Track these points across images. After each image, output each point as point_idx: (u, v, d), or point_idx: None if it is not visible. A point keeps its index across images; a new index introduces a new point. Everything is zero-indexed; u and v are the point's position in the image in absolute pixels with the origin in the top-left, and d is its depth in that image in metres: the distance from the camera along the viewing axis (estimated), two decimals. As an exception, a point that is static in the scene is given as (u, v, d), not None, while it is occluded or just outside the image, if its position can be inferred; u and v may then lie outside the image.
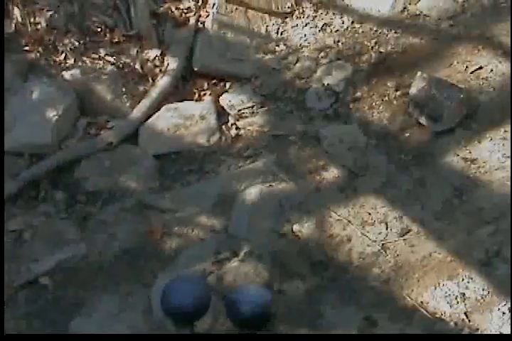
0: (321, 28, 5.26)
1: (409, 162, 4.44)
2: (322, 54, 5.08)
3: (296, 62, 5.09)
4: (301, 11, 5.34)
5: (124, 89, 4.82)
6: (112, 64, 4.88)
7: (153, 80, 4.90)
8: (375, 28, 5.19)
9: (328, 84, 4.85)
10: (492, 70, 4.77)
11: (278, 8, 5.29)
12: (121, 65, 4.91)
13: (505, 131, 4.41)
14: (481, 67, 4.80)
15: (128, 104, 4.78)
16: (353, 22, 5.25)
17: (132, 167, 4.52)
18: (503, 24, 5.00)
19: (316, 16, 5.32)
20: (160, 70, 4.93)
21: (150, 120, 4.76)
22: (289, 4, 5.32)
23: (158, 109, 4.79)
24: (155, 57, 4.97)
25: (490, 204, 4.06)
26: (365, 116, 4.74)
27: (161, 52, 4.99)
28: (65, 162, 4.49)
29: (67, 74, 4.76)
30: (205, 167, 4.61)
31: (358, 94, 4.86)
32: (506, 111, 4.50)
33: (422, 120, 4.54)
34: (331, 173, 4.44)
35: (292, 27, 5.30)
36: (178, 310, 2.82)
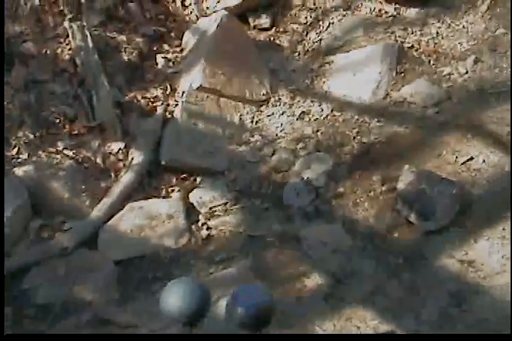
0: (299, 116, 5.12)
1: (399, 266, 4.21)
2: (300, 145, 4.88)
3: (273, 154, 4.90)
4: (277, 98, 5.21)
5: (83, 187, 4.56)
6: (71, 158, 4.63)
7: (116, 176, 4.65)
8: (356, 117, 5.07)
9: (307, 179, 4.68)
10: (484, 161, 4.66)
11: (252, 96, 5.14)
12: (80, 160, 4.67)
13: (503, 229, 4.18)
14: (471, 158, 4.70)
15: (87, 203, 4.50)
16: (332, 110, 5.14)
17: (90, 275, 4.20)
18: (491, 111, 4.90)
19: (293, 104, 5.19)
20: (124, 165, 4.68)
21: (111, 221, 4.47)
22: (264, 91, 5.17)
23: (121, 209, 4.48)
24: (118, 151, 4.73)
25: (493, 315, 3.73)
26: (349, 214, 4.52)
27: (125, 144, 4.77)
28: (12, 270, 4.12)
29: (19, 171, 4.49)
30: (172, 273, 4.30)
31: (341, 189, 4.66)
32: (503, 206, 4.26)
33: (412, 218, 4.35)
34: (314, 280, 4.17)
35: (268, 116, 5.14)
36: (177, 312, 2.84)
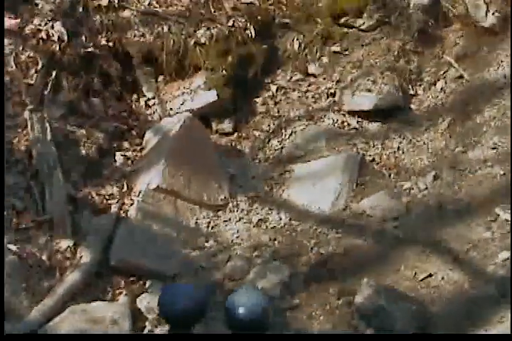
0: (256, 223, 5.06)
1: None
2: (256, 253, 4.81)
3: (227, 261, 4.79)
4: (235, 204, 5.17)
5: (24, 285, 4.31)
6: (14, 253, 4.41)
7: (61, 275, 4.43)
8: (314, 227, 5.05)
9: (262, 289, 4.48)
10: (443, 278, 4.61)
11: (210, 200, 5.09)
12: (25, 255, 4.43)
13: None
14: (430, 275, 4.64)
15: (26, 303, 4.25)
16: (290, 219, 5.12)
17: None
18: (450, 228, 4.93)
19: (251, 211, 5.14)
20: (70, 264, 4.47)
21: (51, 323, 4.21)
22: (222, 196, 5.13)
23: (63, 311, 4.22)
24: (67, 248, 4.56)
25: None
26: (303, 327, 4.34)
27: (75, 242, 4.61)
28: None
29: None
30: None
31: (296, 301, 4.54)
32: (462, 324, 4.18)
33: (369, 334, 4.15)
34: None
35: (224, 221, 5.07)
36: (175, 314, 2.89)
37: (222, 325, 3.55)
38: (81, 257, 4.51)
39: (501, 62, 6.24)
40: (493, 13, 6.34)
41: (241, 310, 2.89)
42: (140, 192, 4.90)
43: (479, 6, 6.38)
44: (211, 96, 5.60)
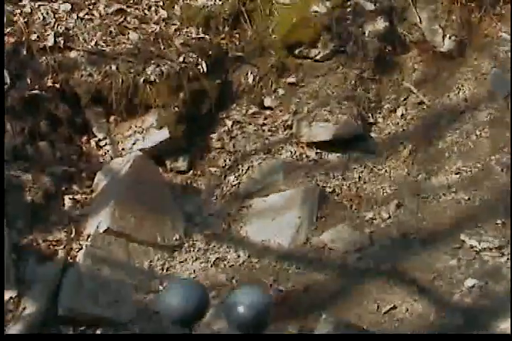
0: (213, 262, 4.97)
1: None
2: (214, 293, 4.65)
3: (183, 304, 4.57)
4: (191, 243, 5.08)
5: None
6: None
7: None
8: (274, 263, 4.95)
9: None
10: (407, 310, 4.51)
11: (164, 241, 4.98)
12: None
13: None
14: (394, 307, 4.56)
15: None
16: (249, 256, 5.03)
17: None
18: (415, 257, 4.82)
19: (207, 249, 5.05)
20: (13, 316, 4.28)
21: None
22: (177, 236, 5.03)
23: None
24: (9, 300, 4.36)
25: None
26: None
27: (18, 292, 4.40)
28: None
29: None
30: None
31: None
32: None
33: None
34: None
35: (180, 262, 4.97)
36: (175, 312, 2.87)
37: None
38: (24, 308, 4.33)
39: (461, 86, 6.26)
40: (449, 38, 6.38)
41: (241, 308, 2.87)
42: (89, 236, 4.76)
43: (436, 31, 6.43)
44: (163, 134, 5.53)
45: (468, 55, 6.47)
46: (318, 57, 6.14)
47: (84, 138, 5.59)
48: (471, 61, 6.44)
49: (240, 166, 5.60)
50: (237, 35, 6.21)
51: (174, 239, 5.03)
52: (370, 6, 6.28)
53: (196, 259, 4.98)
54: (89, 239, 4.77)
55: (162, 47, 5.84)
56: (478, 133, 5.93)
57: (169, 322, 2.91)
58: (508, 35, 6.63)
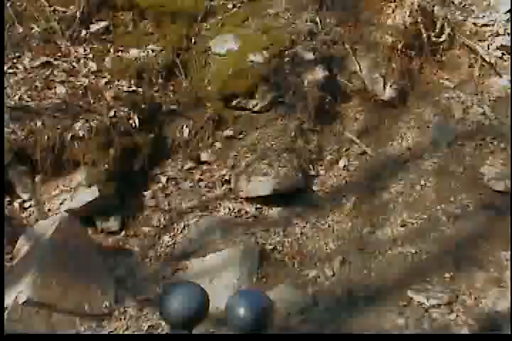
0: (146, 331, 4.62)
1: None
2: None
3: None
4: (121, 310, 4.78)
5: None
6: None
7: None
8: (212, 329, 4.62)
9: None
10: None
11: (92, 310, 4.71)
12: None
13: None
14: None
15: None
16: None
17: None
18: (361, 317, 4.76)
19: (140, 317, 4.79)
20: None
21: None
22: (106, 303, 4.75)
23: None
24: None
25: None
26: None
27: None
28: None
29: None
30: None
31: None
32: None
33: None
34: None
35: (110, 332, 4.58)
36: (175, 315, 2.92)
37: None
38: None
39: (404, 134, 6.19)
40: (390, 86, 6.33)
41: (242, 310, 2.91)
42: (6, 308, 4.41)
43: (376, 79, 6.38)
44: (93, 193, 5.27)
45: (410, 103, 6.42)
46: (256, 109, 6.00)
47: (7, 199, 5.27)
48: (413, 109, 6.39)
49: (175, 225, 5.37)
50: (171, 88, 6.06)
51: (103, 306, 4.74)
52: (309, 55, 6.19)
53: (127, 328, 4.69)
54: (6, 312, 4.39)
55: (91, 101, 5.64)
56: (423, 183, 5.81)
57: (170, 325, 2.96)
58: (449, 82, 6.61)
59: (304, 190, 5.70)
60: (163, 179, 5.64)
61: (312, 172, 5.88)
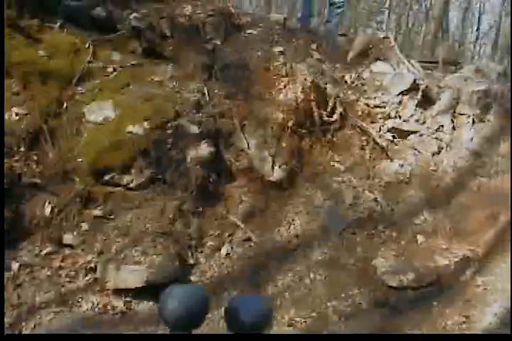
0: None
1: None
2: None
3: None
4: None
5: None
6: None
7: None
8: None
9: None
10: None
11: None
12: None
13: None
14: None
15: None
16: None
17: None
18: None
19: None
20: None
21: None
22: None
23: None
24: None
25: None
26: None
27: None
28: None
29: None
30: None
31: None
32: None
33: None
34: None
35: None
36: (174, 317, 2.80)
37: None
38: None
39: (292, 220, 5.76)
40: (279, 166, 5.91)
41: (242, 312, 2.81)
42: None
43: (265, 158, 5.94)
44: None
45: (299, 185, 6.01)
46: (131, 186, 5.42)
47: None
48: (302, 192, 5.99)
49: (23, 323, 4.51)
50: (34, 158, 5.37)
51: None
52: (194, 129, 5.66)
53: None
54: None
55: None
56: (312, 276, 5.38)
57: (170, 325, 2.84)
58: (340, 164, 6.27)
59: (181, 281, 5.02)
60: (15, 266, 4.85)
61: (191, 261, 5.29)
